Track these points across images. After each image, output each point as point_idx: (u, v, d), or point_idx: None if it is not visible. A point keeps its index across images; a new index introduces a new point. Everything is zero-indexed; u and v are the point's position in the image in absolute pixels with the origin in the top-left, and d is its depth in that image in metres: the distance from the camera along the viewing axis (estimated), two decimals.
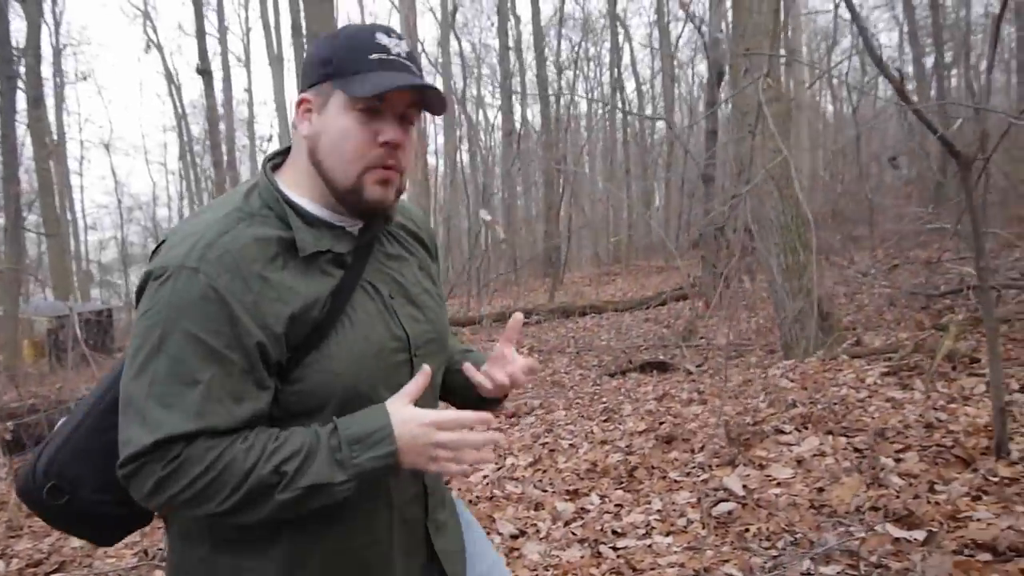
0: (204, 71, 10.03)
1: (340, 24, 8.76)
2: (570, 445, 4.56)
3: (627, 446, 4.28)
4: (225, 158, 27.20)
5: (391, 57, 1.03)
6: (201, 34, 9.98)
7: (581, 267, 23.31)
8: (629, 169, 23.43)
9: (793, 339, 5.61)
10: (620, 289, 15.58)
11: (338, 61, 1.02)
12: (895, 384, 4.58)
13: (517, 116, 23.01)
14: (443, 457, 0.99)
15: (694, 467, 3.71)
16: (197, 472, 0.92)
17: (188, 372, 0.92)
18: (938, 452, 3.42)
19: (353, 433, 0.96)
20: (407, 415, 0.98)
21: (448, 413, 1.01)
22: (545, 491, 3.68)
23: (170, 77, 30.67)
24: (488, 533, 3.22)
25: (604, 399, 5.80)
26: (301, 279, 1.00)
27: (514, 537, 3.15)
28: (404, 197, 1.14)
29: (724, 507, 3.13)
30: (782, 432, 3.99)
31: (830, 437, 3.81)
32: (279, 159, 1.13)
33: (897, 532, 2.67)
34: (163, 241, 1.02)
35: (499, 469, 4.13)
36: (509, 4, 21.96)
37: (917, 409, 4.08)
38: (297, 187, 1.07)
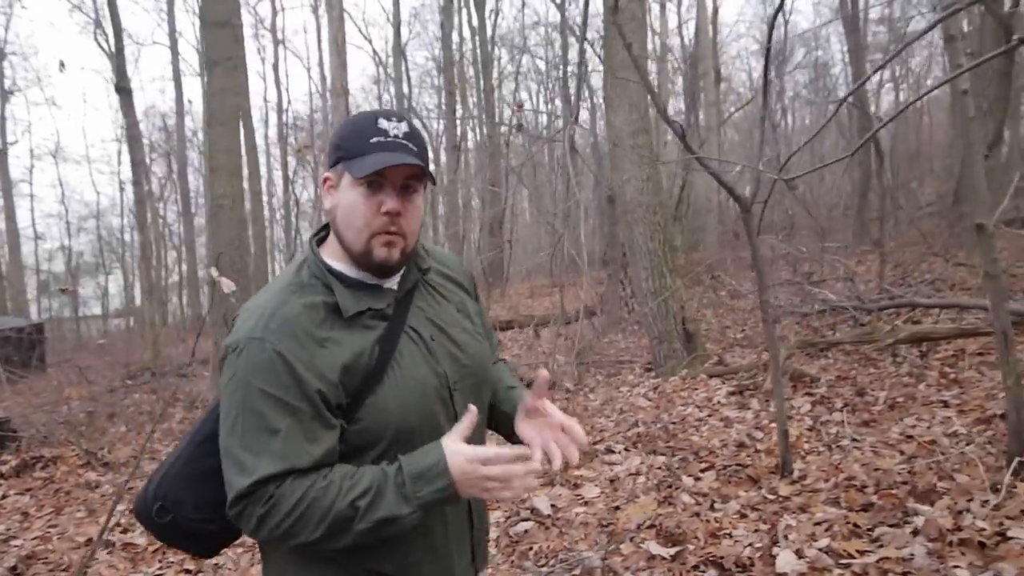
0: (122, 88, 10.03)
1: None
2: None
3: None
4: (176, 169, 26.94)
5: (388, 139, 1.19)
6: (120, 52, 10.00)
7: (530, 279, 23.55)
8: (568, 185, 23.73)
9: (661, 358, 5.88)
10: (555, 303, 15.82)
11: (345, 145, 1.21)
12: (735, 404, 4.85)
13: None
14: (492, 488, 1.12)
15: None
16: (288, 508, 1.09)
17: (269, 424, 1.11)
18: (735, 471, 3.67)
19: (415, 470, 1.11)
20: (459, 451, 1.12)
21: (491, 450, 1.13)
22: None
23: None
24: None
25: None
26: (347, 334, 1.18)
27: None
28: None
29: (522, 526, 3.34)
30: (612, 451, 4.22)
31: (652, 456, 4.05)
32: (323, 233, 1.31)
33: (656, 549, 2.89)
34: (235, 317, 1.22)
35: None
36: (456, 20, 22.21)
37: (744, 428, 4.35)
38: (336, 256, 1.25)
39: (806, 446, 3.90)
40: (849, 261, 7.63)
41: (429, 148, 1.30)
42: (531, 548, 3.10)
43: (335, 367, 1.14)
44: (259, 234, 19.61)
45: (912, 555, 2.53)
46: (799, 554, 2.65)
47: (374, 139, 1.18)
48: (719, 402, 4.93)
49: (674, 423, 4.58)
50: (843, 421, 4.26)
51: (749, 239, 3.35)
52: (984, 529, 2.64)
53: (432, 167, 1.36)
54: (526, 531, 3.30)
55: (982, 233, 3.10)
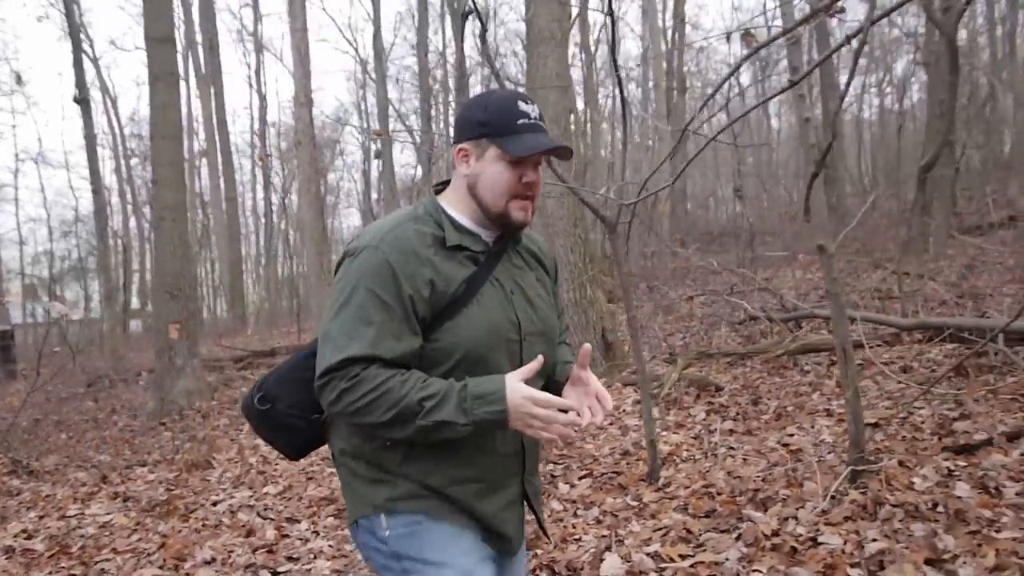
0: (81, 100, 10.13)
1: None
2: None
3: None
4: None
5: (532, 121, 1.41)
6: (79, 64, 10.11)
7: None
8: None
9: None
10: None
11: (494, 123, 1.39)
12: (638, 412, 4.99)
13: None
14: (536, 426, 1.31)
15: None
16: (367, 389, 1.28)
17: (367, 315, 1.31)
18: (609, 478, 3.83)
19: (477, 391, 1.30)
20: (517, 388, 1.31)
21: (545, 395, 1.32)
22: (267, 519, 4.01)
23: (105, 90, 30.42)
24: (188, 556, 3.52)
25: None
26: (445, 263, 1.38)
27: (206, 562, 3.46)
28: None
29: None
30: None
31: (541, 464, 4.20)
32: (441, 186, 1.53)
33: None
34: (356, 237, 1.44)
35: (252, 496, 4.44)
36: (438, 26, 22.34)
37: (638, 436, 4.50)
38: (452, 205, 1.46)
39: (684, 454, 4.05)
40: (788, 269, 7.78)
41: None
42: None
43: (427, 283, 1.34)
44: (234, 236, 19.76)
45: (726, 559, 2.68)
46: (626, 559, 2.80)
47: (520, 120, 1.39)
48: (624, 410, 5.09)
49: (576, 431, 4.72)
50: (730, 430, 4.42)
51: (616, 258, 3.50)
52: (800, 535, 2.79)
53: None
54: None
55: (823, 254, 3.26)
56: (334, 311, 1.34)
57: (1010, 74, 13.65)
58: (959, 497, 2.92)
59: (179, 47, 19.16)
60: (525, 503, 1.56)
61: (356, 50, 44.76)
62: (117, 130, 30.81)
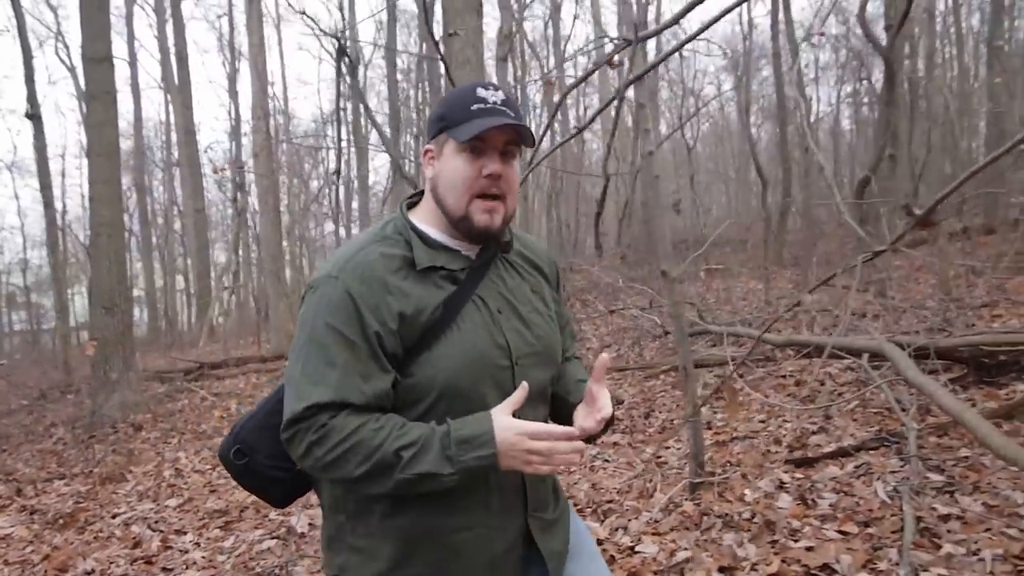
0: (33, 116, 10.23)
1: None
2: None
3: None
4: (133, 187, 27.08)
5: (488, 106, 1.24)
6: (30, 79, 10.22)
7: None
8: None
9: None
10: None
11: (448, 115, 1.26)
12: None
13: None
14: (536, 462, 1.16)
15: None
16: (337, 440, 1.14)
17: (329, 356, 1.17)
18: None
19: (462, 435, 1.15)
20: (507, 424, 1.16)
21: (540, 425, 1.17)
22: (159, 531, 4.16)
23: (80, 98, 30.42)
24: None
25: None
26: (417, 287, 1.22)
27: (87, 573, 3.61)
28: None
29: (266, 544, 3.65)
30: None
31: None
32: (416, 198, 1.38)
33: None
34: (319, 267, 1.32)
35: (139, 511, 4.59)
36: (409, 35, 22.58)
37: None
38: (425, 218, 1.31)
39: None
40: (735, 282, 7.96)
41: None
42: (259, 562, 3.42)
43: (396, 317, 1.19)
44: (203, 246, 19.82)
45: None
46: None
47: (475, 106, 1.24)
48: None
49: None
50: (615, 443, 4.61)
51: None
52: (623, 544, 2.99)
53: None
54: (269, 548, 3.61)
55: (666, 279, 3.47)
56: (295, 354, 1.21)
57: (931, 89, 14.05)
58: (780, 508, 3.12)
59: (158, 57, 19.40)
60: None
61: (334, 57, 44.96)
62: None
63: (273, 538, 3.71)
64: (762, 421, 4.51)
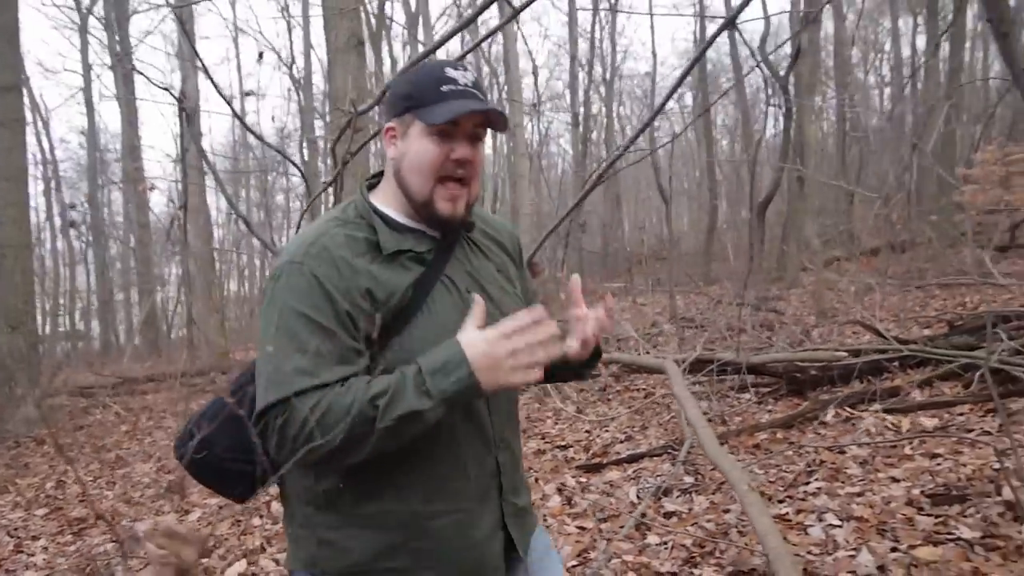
0: None
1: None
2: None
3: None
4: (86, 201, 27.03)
5: (459, 87, 1.20)
6: None
7: None
8: None
9: None
10: None
11: (417, 94, 1.21)
12: None
13: None
14: (520, 364, 1.09)
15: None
16: (305, 413, 1.07)
17: (301, 343, 1.12)
18: None
19: (433, 366, 1.09)
20: (474, 337, 1.10)
21: (505, 323, 1.11)
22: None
23: (36, 110, 30.28)
24: None
25: None
26: (384, 271, 1.19)
27: None
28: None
29: (104, 548, 3.99)
30: None
31: None
32: (375, 180, 1.33)
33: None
34: (280, 251, 1.28)
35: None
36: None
37: None
38: (386, 201, 1.27)
39: None
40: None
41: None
42: (92, 564, 3.76)
43: (366, 295, 1.16)
44: (145, 261, 20.02)
45: None
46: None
47: (445, 87, 1.20)
48: None
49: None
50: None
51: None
52: None
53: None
54: (104, 550, 3.95)
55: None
56: (264, 345, 1.16)
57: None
58: (548, 507, 3.55)
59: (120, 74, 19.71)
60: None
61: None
62: (48, 153, 30.69)
63: (113, 542, 4.05)
64: (587, 432, 4.95)
